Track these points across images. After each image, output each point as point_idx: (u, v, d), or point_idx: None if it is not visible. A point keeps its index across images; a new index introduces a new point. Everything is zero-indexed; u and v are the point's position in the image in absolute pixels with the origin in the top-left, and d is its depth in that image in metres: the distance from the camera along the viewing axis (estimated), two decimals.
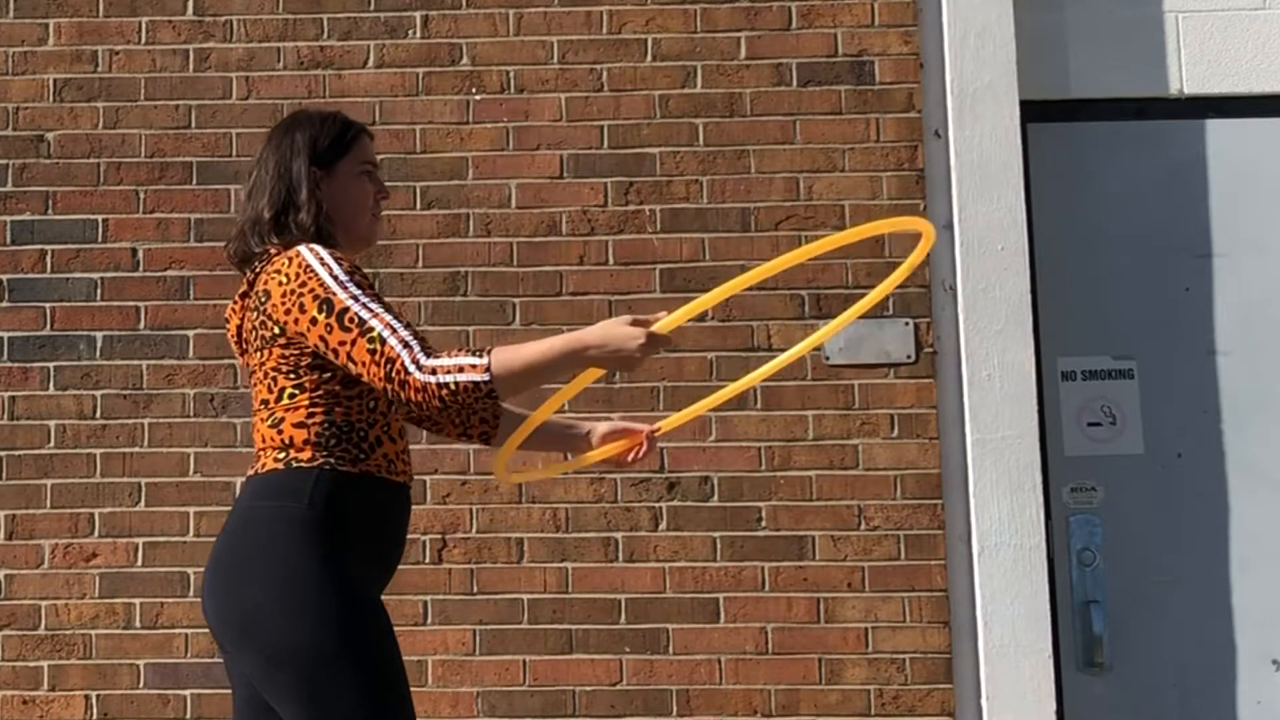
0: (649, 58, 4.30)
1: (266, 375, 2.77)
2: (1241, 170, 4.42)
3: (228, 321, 2.94)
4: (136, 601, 4.10)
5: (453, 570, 4.08)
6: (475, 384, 2.59)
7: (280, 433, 2.73)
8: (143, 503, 4.14)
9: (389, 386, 2.62)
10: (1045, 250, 4.29)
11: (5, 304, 4.23)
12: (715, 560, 4.09)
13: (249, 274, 2.86)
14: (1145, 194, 4.41)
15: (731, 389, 3.11)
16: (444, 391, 2.59)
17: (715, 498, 4.11)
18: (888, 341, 4.16)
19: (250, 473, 2.78)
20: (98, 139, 4.29)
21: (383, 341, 2.62)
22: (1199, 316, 4.36)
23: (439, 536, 4.07)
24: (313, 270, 2.70)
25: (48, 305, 4.23)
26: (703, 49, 4.30)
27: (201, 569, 4.05)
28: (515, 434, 2.94)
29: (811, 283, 4.16)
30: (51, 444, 4.17)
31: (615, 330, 2.65)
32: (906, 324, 4.16)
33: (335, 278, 2.69)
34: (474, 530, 4.10)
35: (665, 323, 2.65)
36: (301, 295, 2.68)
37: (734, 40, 4.30)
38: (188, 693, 4.06)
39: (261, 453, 2.77)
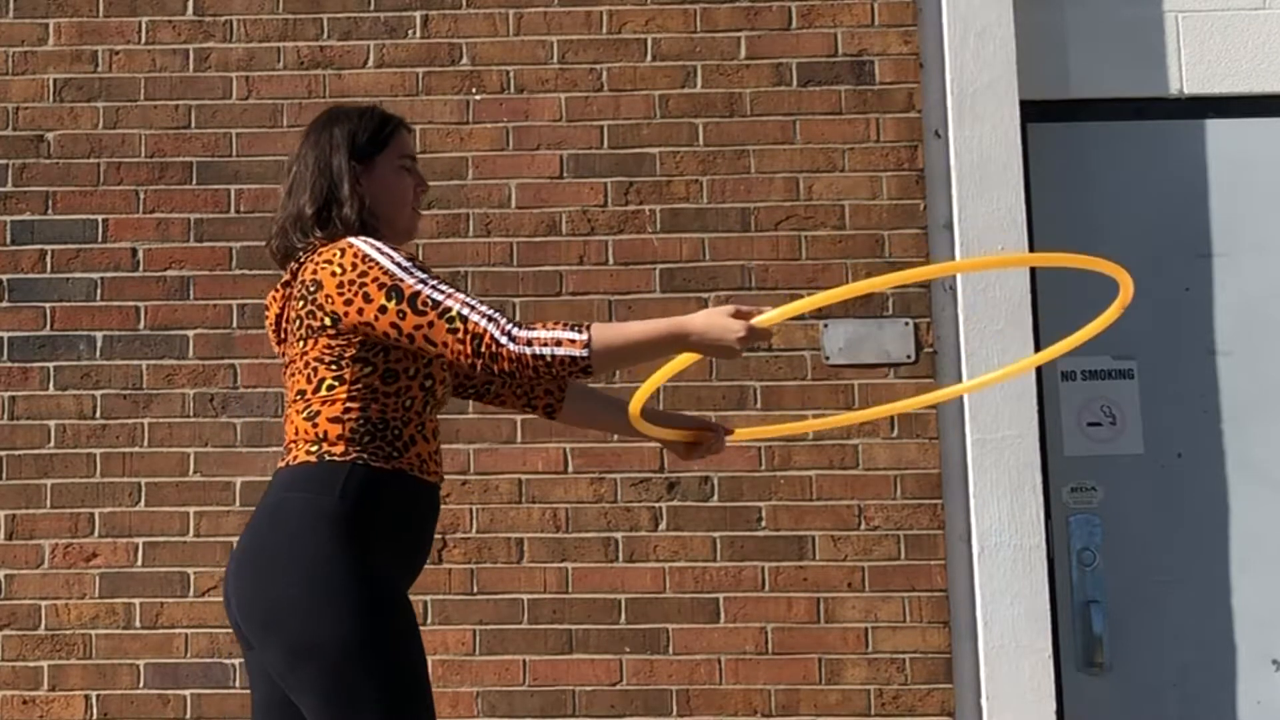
0: (649, 58, 4.30)
1: (307, 365, 2.75)
2: (1241, 170, 4.42)
3: (266, 309, 2.92)
4: (136, 601, 4.10)
5: (453, 570, 4.08)
6: (572, 359, 2.62)
7: (315, 426, 2.71)
8: (143, 503, 4.14)
9: (478, 361, 2.62)
10: (1045, 250, 4.28)
11: (5, 304, 4.24)
12: (715, 560, 4.09)
13: (292, 265, 2.84)
14: (1145, 194, 4.41)
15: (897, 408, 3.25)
16: (539, 363, 2.62)
17: (715, 498, 4.11)
18: (888, 341, 4.16)
19: (281, 465, 2.77)
20: (98, 139, 4.29)
21: (464, 319, 2.63)
22: (1199, 316, 4.36)
23: (439, 536, 4.07)
24: (372, 259, 2.69)
25: (48, 305, 4.23)
26: (703, 49, 4.30)
27: (201, 569, 4.10)
28: (651, 381, 2.92)
29: (812, 283, 4.16)
30: (51, 444, 4.17)
31: (718, 320, 2.68)
32: (906, 324, 4.16)
33: (398, 264, 2.69)
34: (474, 530, 4.10)
35: (767, 319, 2.68)
36: (364, 285, 2.67)
37: (734, 40, 4.30)
38: (188, 693, 4.06)
39: (293, 445, 2.75)
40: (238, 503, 4.11)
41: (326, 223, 2.81)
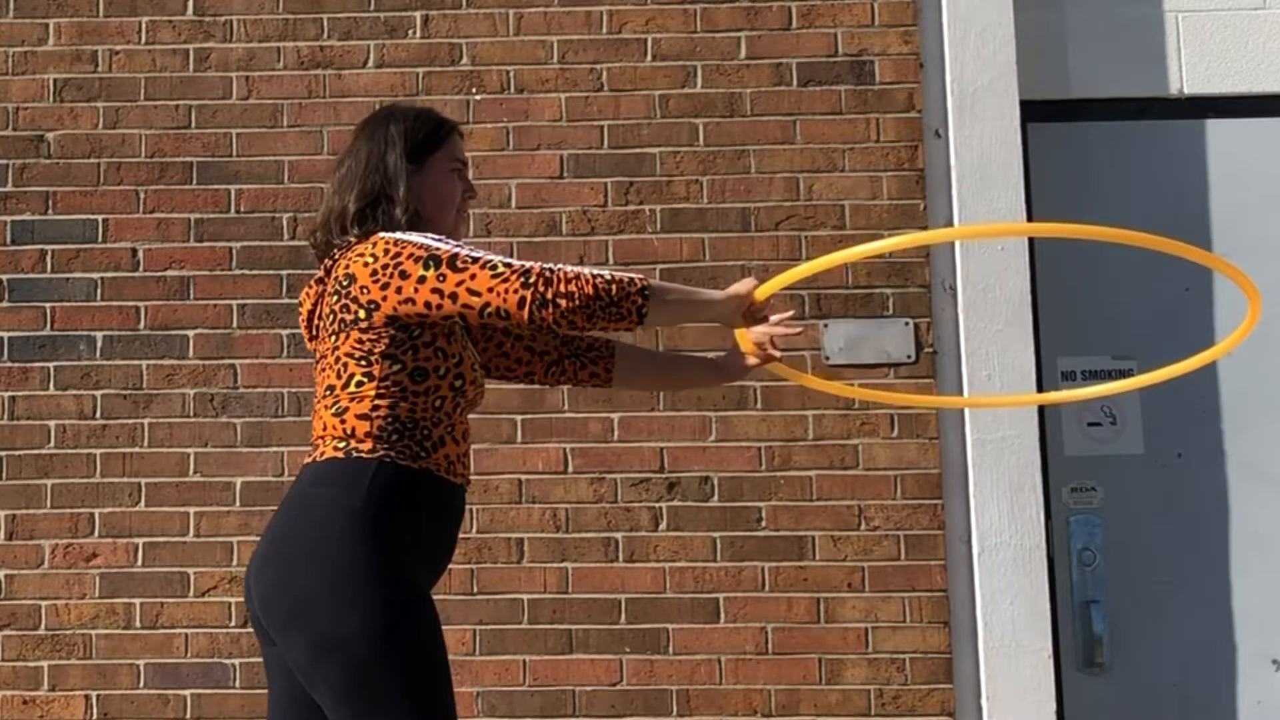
0: (649, 58, 4.30)
1: (338, 360, 2.75)
2: (1241, 170, 4.42)
3: (300, 306, 2.94)
4: (136, 601, 4.10)
5: (453, 570, 4.07)
6: (631, 280, 2.71)
7: (343, 422, 2.71)
8: (143, 503, 4.14)
9: (526, 294, 2.65)
10: (1045, 250, 4.29)
11: (5, 304, 4.24)
12: (715, 560, 4.09)
13: (327, 262, 2.85)
14: (1145, 194, 4.41)
15: None
16: (598, 280, 2.68)
17: (715, 498, 4.11)
18: (888, 341, 4.16)
19: (308, 460, 2.77)
20: (98, 139, 4.29)
21: (506, 264, 2.69)
22: (1199, 316, 4.35)
23: None
24: (405, 240, 2.72)
25: (48, 305, 4.23)
26: (703, 49, 4.30)
27: (201, 569, 4.10)
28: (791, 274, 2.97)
29: (812, 283, 4.15)
30: (51, 444, 4.17)
31: (731, 297, 2.88)
32: (906, 324, 4.16)
33: (431, 238, 2.74)
34: (474, 530, 4.09)
35: (763, 287, 2.86)
36: (400, 263, 2.69)
37: (734, 40, 4.30)
38: (188, 693, 4.06)
39: (320, 441, 2.75)
40: (238, 503, 4.11)
41: (365, 221, 2.81)
